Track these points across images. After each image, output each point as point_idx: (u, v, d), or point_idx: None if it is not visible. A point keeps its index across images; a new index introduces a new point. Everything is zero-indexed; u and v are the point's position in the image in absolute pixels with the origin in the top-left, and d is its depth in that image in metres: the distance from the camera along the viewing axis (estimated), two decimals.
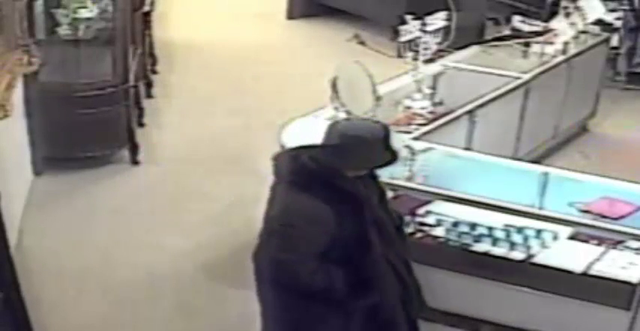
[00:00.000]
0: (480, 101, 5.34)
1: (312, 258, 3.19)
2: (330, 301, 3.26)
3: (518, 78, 5.75)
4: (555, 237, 3.99)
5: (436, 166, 4.39)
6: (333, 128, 3.32)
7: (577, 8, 6.40)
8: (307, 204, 3.19)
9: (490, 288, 3.87)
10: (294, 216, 3.19)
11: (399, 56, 5.31)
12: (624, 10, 7.73)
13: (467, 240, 3.97)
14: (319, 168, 3.22)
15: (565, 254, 3.88)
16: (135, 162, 6.10)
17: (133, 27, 6.20)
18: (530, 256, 3.87)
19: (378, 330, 3.39)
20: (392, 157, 3.33)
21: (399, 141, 3.95)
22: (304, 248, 3.18)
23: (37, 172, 5.84)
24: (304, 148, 3.41)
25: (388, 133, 3.33)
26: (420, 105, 5.03)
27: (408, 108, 5.02)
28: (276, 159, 3.42)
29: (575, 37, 6.35)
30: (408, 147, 4.33)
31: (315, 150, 3.33)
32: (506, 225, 4.05)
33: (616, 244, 3.91)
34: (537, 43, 6.19)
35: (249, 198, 5.59)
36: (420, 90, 5.08)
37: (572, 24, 6.33)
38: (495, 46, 6.30)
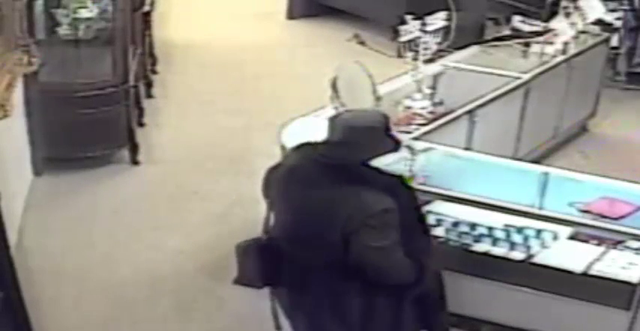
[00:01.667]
0: (480, 101, 5.34)
1: (399, 245, 3.18)
2: (395, 289, 3.25)
3: (518, 78, 5.75)
4: (555, 237, 3.99)
5: (436, 166, 4.39)
6: (335, 121, 3.28)
7: (577, 8, 6.39)
8: (372, 195, 3.14)
9: (490, 288, 3.88)
10: (370, 208, 3.12)
11: (399, 56, 5.31)
12: (624, 10, 7.72)
13: (467, 240, 3.97)
14: (354, 163, 3.19)
15: (565, 254, 3.88)
16: (135, 162, 6.10)
17: (133, 27, 6.20)
18: (530, 256, 3.87)
19: (425, 315, 3.40)
20: (395, 144, 3.32)
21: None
22: (392, 236, 3.15)
23: (37, 172, 5.83)
24: (309, 145, 3.38)
25: (388, 120, 3.32)
26: (420, 105, 5.03)
27: (408, 108, 5.02)
28: (289, 160, 3.39)
29: (575, 37, 6.34)
30: (408, 147, 4.33)
31: (324, 146, 3.28)
32: (506, 225, 4.05)
33: (616, 244, 3.92)
34: (537, 43, 6.19)
35: (249, 198, 5.59)
36: (420, 90, 5.08)
37: (572, 24, 6.33)
38: (495, 46, 6.30)
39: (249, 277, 3.49)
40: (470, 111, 5.23)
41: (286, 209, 3.35)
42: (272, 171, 3.48)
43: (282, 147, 4.59)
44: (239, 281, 3.55)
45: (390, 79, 5.34)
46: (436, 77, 5.41)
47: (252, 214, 5.40)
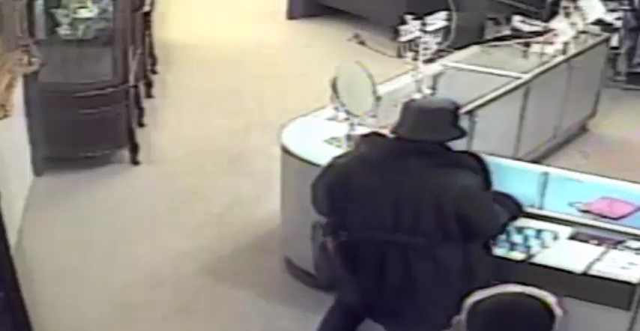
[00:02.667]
0: (480, 101, 5.34)
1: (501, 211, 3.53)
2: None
3: (518, 78, 5.75)
4: (555, 237, 3.99)
5: None
6: (409, 106, 3.46)
7: (577, 8, 6.39)
8: (468, 177, 3.36)
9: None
10: (473, 192, 3.36)
11: (399, 56, 5.31)
12: (624, 10, 7.72)
13: None
14: (438, 146, 3.38)
15: (565, 254, 3.88)
16: (135, 162, 6.10)
17: (133, 27, 6.20)
18: (530, 256, 3.87)
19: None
20: (461, 133, 3.47)
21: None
22: (500, 213, 3.51)
23: (37, 172, 5.83)
24: (378, 135, 3.53)
25: (459, 108, 3.52)
26: None
27: None
28: (362, 154, 3.48)
29: (575, 37, 6.35)
30: None
31: (400, 133, 3.41)
32: None
33: (616, 244, 3.91)
34: (537, 43, 6.19)
35: (249, 198, 5.60)
36: (420, 90, 5.08)
37: (572, 24, 6.33)
38: (495, 46, 6.31)
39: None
40: (470, 111, 5.23)
41: (380, 199, 3.39)
42: (334, 168, 3.53)
43: (283, 147, 4.58)
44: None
45: (390, 78, 5.35)
46: (436, 77, 5.40)
47: (252, 214, 5.42)
